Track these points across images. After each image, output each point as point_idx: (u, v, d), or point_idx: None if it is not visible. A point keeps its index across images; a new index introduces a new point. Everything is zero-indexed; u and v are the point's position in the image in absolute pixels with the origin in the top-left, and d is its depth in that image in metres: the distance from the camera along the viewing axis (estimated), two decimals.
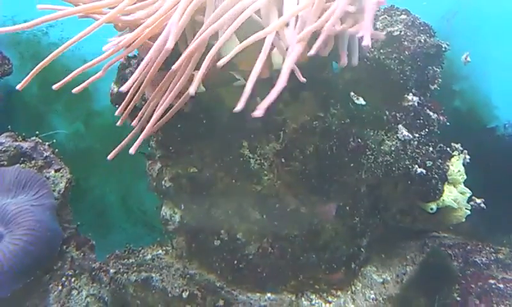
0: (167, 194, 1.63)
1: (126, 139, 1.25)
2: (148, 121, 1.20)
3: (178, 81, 1.10)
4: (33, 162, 1.70)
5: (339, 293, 1.62)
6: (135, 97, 1.23)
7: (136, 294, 1.49)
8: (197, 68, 1.02)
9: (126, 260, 1.64)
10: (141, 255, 1.71)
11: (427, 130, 1.65)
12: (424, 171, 1.55)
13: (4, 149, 1.66)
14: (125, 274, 1.52)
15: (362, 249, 1.65)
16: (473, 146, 1.81)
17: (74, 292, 1.54)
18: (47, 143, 1.79)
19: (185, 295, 1.48)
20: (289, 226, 1.53)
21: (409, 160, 1.54)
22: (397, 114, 1.58)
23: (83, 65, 1.14)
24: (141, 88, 1.17)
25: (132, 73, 1.71)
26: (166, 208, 1.67)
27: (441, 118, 1.72)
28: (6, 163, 1.65)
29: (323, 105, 1.47)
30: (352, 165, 1.45)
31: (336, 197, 1.51)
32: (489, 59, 2.57)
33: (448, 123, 1.73)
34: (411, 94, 1.60)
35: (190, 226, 1.62)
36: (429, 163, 1.57)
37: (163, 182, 1.61)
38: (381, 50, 1.56)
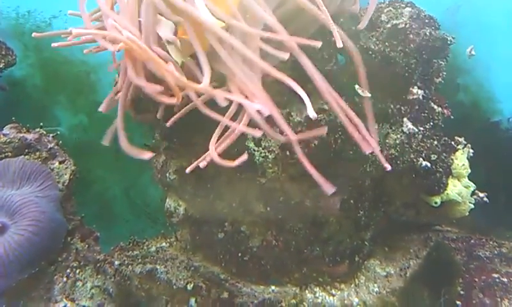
0: (171, 186, 1.64)
1: None
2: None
3: None
4: (38, 153, 1.70)
5: (343, 286, 1.62)
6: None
7: (140, 286, 1.49)
8: None
9: (131, 252, 1.65)
10: (145, 247, 1.72)
11: (431, 123, 1.64)
12: (429, 165, 1.55)
13: (8, 140, 1.66)
14: (129, 266, 1.53)
15: (366, 242, 1.65)
16: (476, 139, 1.80)
17: (79, 284, 1.54)
18: (51, 135, 1.78)
19: (189, 287, 1.49)
20: (293, 218, 1.53)
21: (414, 154, 1.54)
22: (402, 107, 1.57)
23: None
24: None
25: None
26: (170, 201, 1.67)
27: (445, 111, 1.72)
28: (10, 154, 1.65)
29: None
30: (357, 158, 1.45)
31: (341, 191, 1.51)
32: (494, 52, 2.56)
33: (452, 117, 1.72)
34: (416, 87, 1.59)
35: (194, 218, 1.62)
36: (433, 156, 1.57)
37: (167, 174, 1.61)
38: (386, 43, 1.55)
